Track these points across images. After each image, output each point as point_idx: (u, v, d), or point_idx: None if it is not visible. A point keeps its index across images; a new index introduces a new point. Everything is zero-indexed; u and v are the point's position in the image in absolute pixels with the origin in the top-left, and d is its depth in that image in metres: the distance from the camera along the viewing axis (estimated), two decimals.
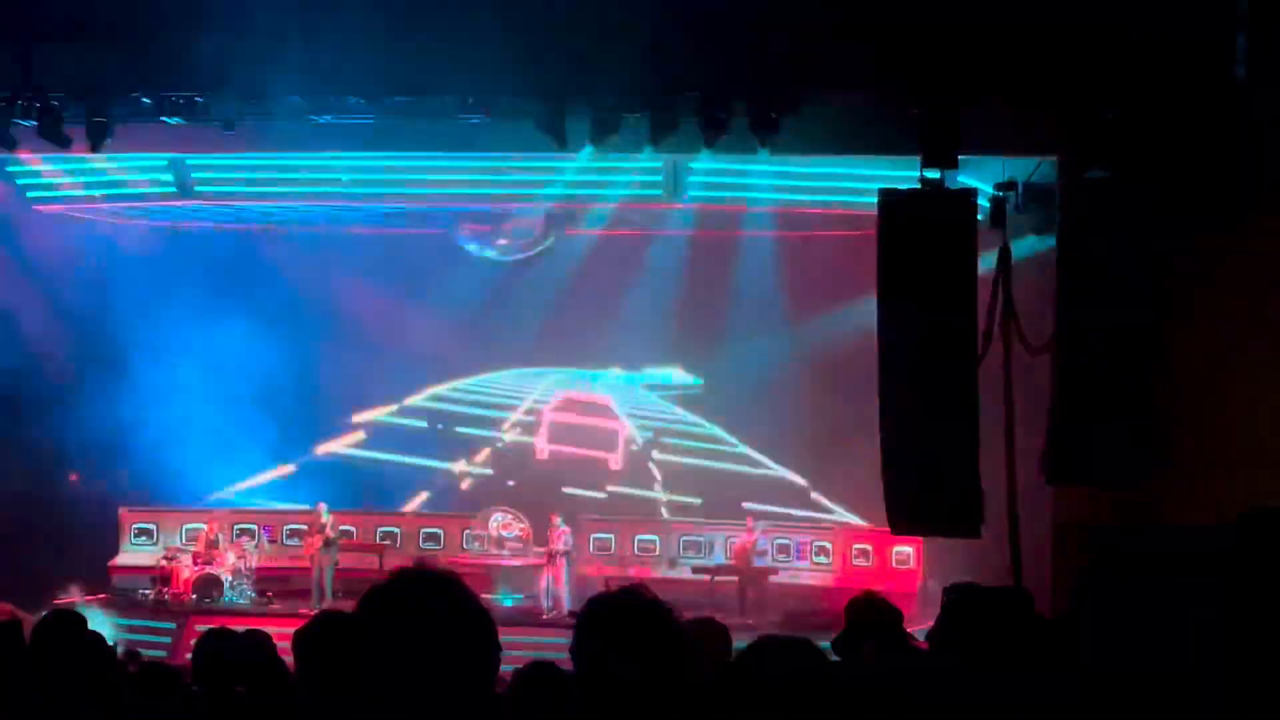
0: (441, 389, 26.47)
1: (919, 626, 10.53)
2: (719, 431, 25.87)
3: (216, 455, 23.96)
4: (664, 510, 25.61)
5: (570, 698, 3.71)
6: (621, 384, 26.53)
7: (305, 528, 23.37)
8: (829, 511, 24.79)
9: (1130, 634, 4.47)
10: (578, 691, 3.62)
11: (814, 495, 24.96)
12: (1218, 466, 13.00)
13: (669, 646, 3.59)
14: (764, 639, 3.93)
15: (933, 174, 13.21)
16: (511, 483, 25.83)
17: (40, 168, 19.90)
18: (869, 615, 7.23)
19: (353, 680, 3.22)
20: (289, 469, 25.65)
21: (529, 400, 26.74)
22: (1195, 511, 12.80)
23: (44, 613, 6.27)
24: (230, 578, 22.64)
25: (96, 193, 21.14)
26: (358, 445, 26.27)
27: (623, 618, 3.65)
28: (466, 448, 26.54)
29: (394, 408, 26.30)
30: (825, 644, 4.12)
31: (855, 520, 24.16)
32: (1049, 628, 4.34)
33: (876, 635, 6.93)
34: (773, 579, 22.97)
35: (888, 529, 14.45)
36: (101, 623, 17.78)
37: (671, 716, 3.53)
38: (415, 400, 26.40)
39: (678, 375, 26.10)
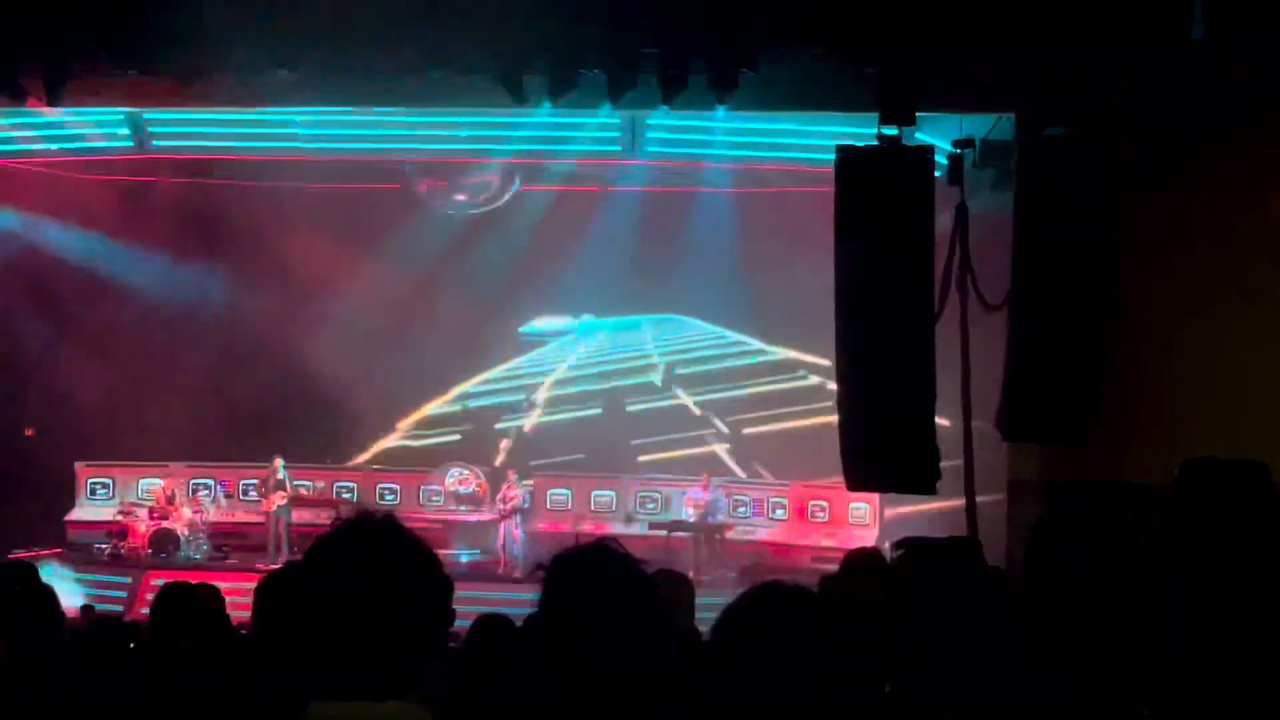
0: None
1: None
2: None
3: (172, 409, 23.89)
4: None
5: (525, 650, 3.71)
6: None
7: (261, 482, 23.35)
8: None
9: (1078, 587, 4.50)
10: (542, 644, 3.62)
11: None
12: (1173, 424, 13.09)
13: (641, 599, 3.61)
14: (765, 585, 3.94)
15: (890, 131, 13.18)
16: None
17: None
18: (859, 567, 7.24)
19: (304, 631, 3.22)
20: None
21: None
22: (1151, 469, 12.89)
23: None
24: (186, 532, 22.64)
25: (52, 146, 20.95)
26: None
27: (594, 570, 3.67)
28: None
29: None
30: None
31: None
32: (996, 578, 4.36)
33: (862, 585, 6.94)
34: (728, 535, 23.09)
35: (844, 485, 14.47)
36: (58, 577, 17.77)
37: (647, 670, 3.55)
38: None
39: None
